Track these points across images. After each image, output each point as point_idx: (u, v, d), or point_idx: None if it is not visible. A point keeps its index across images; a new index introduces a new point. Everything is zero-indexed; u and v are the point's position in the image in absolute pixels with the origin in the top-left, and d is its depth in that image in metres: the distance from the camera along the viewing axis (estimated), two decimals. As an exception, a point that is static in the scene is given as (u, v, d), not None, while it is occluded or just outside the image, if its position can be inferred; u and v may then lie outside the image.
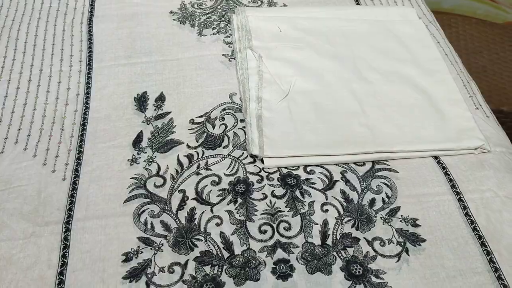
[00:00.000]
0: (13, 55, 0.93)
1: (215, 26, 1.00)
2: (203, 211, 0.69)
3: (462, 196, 0.71)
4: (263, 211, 0.69)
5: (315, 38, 0.95)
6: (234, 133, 0.79)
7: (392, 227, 0.68)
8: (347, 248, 0.65)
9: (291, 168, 0.74)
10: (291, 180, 0.73)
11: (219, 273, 0.62)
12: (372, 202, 0.71)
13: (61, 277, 0.62)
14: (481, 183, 0.73)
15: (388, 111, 0.82)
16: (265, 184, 0.72)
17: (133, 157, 0.75)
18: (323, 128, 0.79)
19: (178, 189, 0.71)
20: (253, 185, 0.72)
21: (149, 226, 0.67)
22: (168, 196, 0.71)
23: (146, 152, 0.76)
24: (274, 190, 0.71)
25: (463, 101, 0.84)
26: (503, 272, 0.63)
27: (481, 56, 1.30)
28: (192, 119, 0.81)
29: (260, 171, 0.74)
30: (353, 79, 0.87)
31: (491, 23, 1.44)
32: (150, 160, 0.75)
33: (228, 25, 1.00)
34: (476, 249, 0.66)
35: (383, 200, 0.71)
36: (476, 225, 0.68)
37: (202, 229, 0.67)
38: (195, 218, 0.68)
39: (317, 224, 0.67)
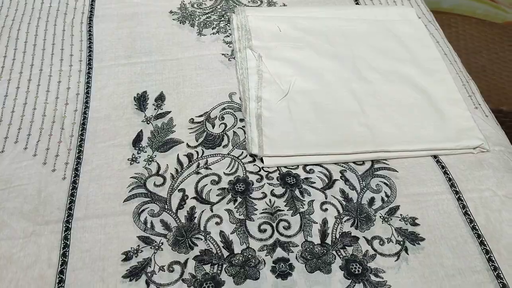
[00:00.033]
0: (13, 54, 0.93)
1: (214, 25, 1.00)
2: (203, 210, 0.69)
3: (461, 195, 0.72)
4: (262, 210, 0.69)
5: (315, 38, 0.95)
6: (234, 132, 0.80)
7: (391, 226, 0.68)
8: (346, 247, 0.65)
9: (291, 167, 0.75)
10: (290, 179, 0.73)
11: (218, 272, 0.63)
12: (372, 201, 0.71)
13: (61, 276, 0.62)
14: (480, 182, 0.73)
15: (387, 111, 0.82)
16: (264, 183, 0.72)
17: (133, 156, 0.76)
18: (322, 128, 0.79)
19: (178, 188, 0.72)
20: (252, 184, 0.72)
21: (149, 225, 0.67)
22: (168, 195, 0.71)
23: (146, 152, 0.76)
24: (273, 189, 0.72)
25: (463, 101, 0.85)
26: (502, 271, 0.63)
27: (481, 56, 1.30)
28: (192, 118, 0.81)
29: (259, 170, 0.74)
30: (353, 79, 0.87)
31: (490, 23, 1.44)
32: (150, 159, 0.75)
33: (228, 24, 1.00)
34: (475, 248, 0.66)
35: (382, 199, 0.71)
36: (475, 224, 0.68)
37: (201, 228, 0.67)
38: (195, 217, 0.68)
39: (317, 223, 0.68)
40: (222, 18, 1.02)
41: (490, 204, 0.71)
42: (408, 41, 0.95)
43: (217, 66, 0.91)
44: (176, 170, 0.74)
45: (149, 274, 0.62)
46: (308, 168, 0.74)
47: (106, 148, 0.77)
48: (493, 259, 0.65)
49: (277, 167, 0.75)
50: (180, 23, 1.01)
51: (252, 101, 0.82)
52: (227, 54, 0.93)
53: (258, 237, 0.66)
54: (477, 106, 0.86)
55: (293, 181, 0.73)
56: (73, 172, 0.73)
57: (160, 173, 0.73)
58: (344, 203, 0.70)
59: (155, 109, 0.83)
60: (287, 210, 0.69)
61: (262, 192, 0.71)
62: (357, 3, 1.09)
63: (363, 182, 0.73)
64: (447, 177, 0.74)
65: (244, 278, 0.62)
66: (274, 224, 0.68)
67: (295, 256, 0.64)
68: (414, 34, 0.97)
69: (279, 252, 0.64)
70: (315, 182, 0.73)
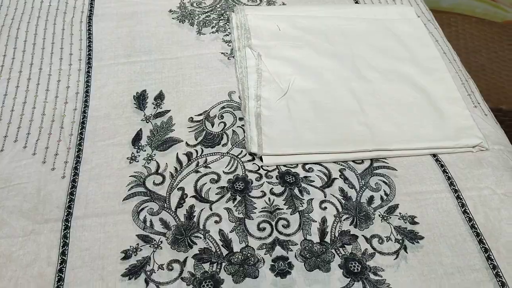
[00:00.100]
0: (12, 53, 0.93)
1: (214, 24, 1.00)
2: (202, 209, 0.69)
3: (460, 194, 0.72)
4: (262, 208, 0.69)
5: (314, 37, 0.95)
6: (233, 131, 0.80)
7: (390, 224, 0.68)
8: (345, 246, 0.65)
9: (290, 166, 0.75)
10: (289, 178, 0.73)
11: (218, 270, 0.63)
12: (371, 199, 0.71)
13: (61, 274, 0.62)
14: (479, 181, 0.73)
15: (387, 110, 0.82)
16: (264, 182, 0.72)
17: (132, 155, 0.76)
18: (322, 127, 0.79)
19: (177, 187, 0.72)
20: (252, 183, 0.72)
21: (148, 223, 0.67)
22: (167, 194, 0.71)
23: (145, 150, 0.76)
24: (272, 188, 0.72)
25: (462, 100, 0.85)
26: (501, 269, 0.64)
27: (480, 55, 1.30)
28: (191, 117, 0.81)
29: (259, 169, 0.74)
30: (352, 78, 0.87)
31: (490, 22, 1.44)
32: (149, 158, 0.75)
33: (227, 23, 1.00)
34: (474, 246, 0.66)
35: (381, 198, 0.71)
36: (474, 222, 0.68)
37: (201, 227, 0.67)
38: (194, 215, 0.68)
39: (316, 221, 0.68)
40: (222, 17, 1.02)
41: (489, 203, 0.71)
42: (408, 40, 0.95)
43: (216, 65, 0.91)
44: (176, 168, 0.74)
45: (148, 273, 0.62)
46: (307, 166, 0.75)
47: (105, 147, 0.77)
48: (492, 257, 0.65)
49: (276, 165, 0.75)
50: (180, 22, 1.01)
51: (251, 100, 0.82)
52: (227, 53, 0.93)
53: (257, 235, 0.66)
54: (476, 105, 0.86)
55: (292, 179, 0.73)
56: (73, 171, 0.73)
57: (159, 171, 0.74)
58: (343, 201, 0.70)
59: (154, 108, 0.83)
60: (286, 208, 0.69)
61: (261, 191, 0.71)
62: (356, 2, 1.09)
63: (362, 181, 0.73)
64: (446, 175, 0.74)
65: (243, 276, 0.62)
66: (273, 223, 0.68)
67: (294, 254, 0.64)
68: (413, 33, 0.97)
69: (278, 251, 0.65)
70: (314, 181, 0.73)
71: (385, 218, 0.69)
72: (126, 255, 0.64)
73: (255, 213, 0.69)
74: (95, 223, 0.67)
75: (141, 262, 0.63)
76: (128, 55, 0.93)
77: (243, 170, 0.74)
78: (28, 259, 0.63)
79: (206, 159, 0.75)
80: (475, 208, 0.70)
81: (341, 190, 0.72)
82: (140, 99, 0.84)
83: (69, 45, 0.95)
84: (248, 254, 0.64)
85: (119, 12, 1.03)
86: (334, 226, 0.67)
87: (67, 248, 0.64)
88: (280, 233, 0.67)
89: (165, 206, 0.69)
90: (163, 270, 0.63)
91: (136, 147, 0.77)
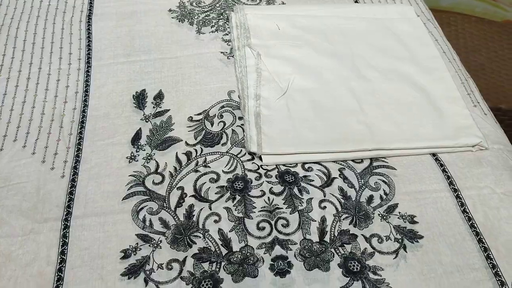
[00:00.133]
0: (12, 53, 0.93)
1: (213, 24, 1.00)
2: (202, 208, 0.69)
3: (459, 193, 0.72)
4: (261, 208, 0.69)
5: (314, 36, 0.95)
6: (233, 130, 0.80)
7: (389, 224, 0.68)
8: (345, 245, 0.65)
9: (289, 165, 0.75)
10: (289, 177, 0.73)
11: (217, 269, 0.63)
12: (370, 199, 0.71)
13: (60, 273, 0.62)
14: (478, 180, 0.73)
15: (386, 109, 0.82)
16: (263, 181, 0.72)
17: (132, 154, 0.76)
18: (321, 126, 0.79)
19: (177, 186, 0.72)
20: (251, 182, 0.72)
21: (147, 223, 0.67)
22: (167, 193, 0.71)
23: (144, 150, 0.76)
24: (272, 187, 0.72)
25: (461, 99, 0.85)
26: (500, 268, 0.64)
27: (480, 54, 1.30)
28: (190, 116, 0.81)
29: (258, 169, 0.74)
30: (352, 77, 0.87)
31: (489, 21, 1.44)
32: (149, 157, 0.75)
33: (227, 23, 1.00)
34: (474, 245, 0.66)
35: (381, 197, 0.71)
36: (474, 221, 0.68)
37: (200, 226, 0.67)
38: (194, 215, 0.68)
39: (315, 221, 0.68)
40: (221, 16, 1.02)
41: (488, 202, 0.71)
42: (407, 39, 0.95)
43: (216, 64, 0.91)
44: (175, 168, 0.74)
45: (148, 272, 0.62)
46: (306, 166, 0.75)
47: (105, 146, 0.77)
48: (492, 256, 0.65)
49: (276, 165, 0.75)
50: (179, 21, 1.01)
51: (251, 99, 0.82)
52: (226, 52, 0.93)
53: (257, 235, 0.66)
54: (476, 104, 0.86)
55: (291, 179, 0.73)
56: (72, 170, 0.73)
57: (158, 171, 0.74)
58: (342, 201, 0.70)
59: (154, 107, 0.83)
60: (286, 208, 0.69)
61: (260, 190, 0.71)
62: (356, 1, 1.09)
63: (362, 180, 0.73)
64: (446, 175, 0.74)
65: (243, 276, 0.62)
66: (273, 222, 0.68)
67: (293, 254, 0.64)
68: (413, 32, 0.97)
69: (278, 250, 0.65)
70: (313, 180, 0.73)
71: (384, 217, 0.69)
72: (126, 255, 0.64)
73: (255, 212, 0.69)
74: (94, 223, 0.67)
75: (140, 262, 0.63)
76: (128, 54, 0.93)
77: (243, 169, 0.74)
78: (28, 258, 0.63)
79: (206, 158, 0.75)
80: (475, 207, 0.70)
81: (341, 189, 0.72)
82: (140, 99, 0.84)
83: (69, 45, 0.95)
84: (248, 254, 0.64)
85: (119, 11, 1.03)
86: (333, 226, 0.67)
87: (66, 248, 0.64)
88: (280, 232, 0.67)
89: (165, 205, 0.69)
90: (163, 269, 0.63)
91: (136, 147, 0.77)
